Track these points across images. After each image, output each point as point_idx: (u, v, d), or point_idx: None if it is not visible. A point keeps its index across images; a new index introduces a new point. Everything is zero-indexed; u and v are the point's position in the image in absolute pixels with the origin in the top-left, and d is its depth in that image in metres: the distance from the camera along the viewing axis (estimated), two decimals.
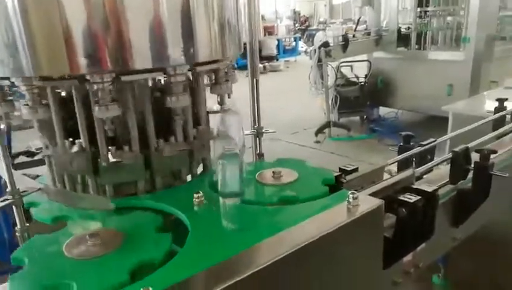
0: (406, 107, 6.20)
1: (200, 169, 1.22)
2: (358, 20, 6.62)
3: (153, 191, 1.09)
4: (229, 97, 1.25)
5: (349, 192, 0.92)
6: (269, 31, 15.55)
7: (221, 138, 1.14)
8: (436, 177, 1.36)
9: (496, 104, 1.97)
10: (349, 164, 1.26)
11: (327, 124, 5.86)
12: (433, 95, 5.53)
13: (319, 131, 5.87)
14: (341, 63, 6.22)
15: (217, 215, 0.91)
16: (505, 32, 5.58)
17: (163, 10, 0.94)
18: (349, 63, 6.53)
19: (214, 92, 1.14)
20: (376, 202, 0.93)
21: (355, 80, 6.53)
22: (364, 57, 6.51)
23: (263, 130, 1.34)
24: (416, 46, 6.15)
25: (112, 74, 0.92)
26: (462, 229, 1.38)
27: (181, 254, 0.78)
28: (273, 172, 1.12)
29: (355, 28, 6.55)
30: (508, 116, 1.88)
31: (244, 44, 1.31)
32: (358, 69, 6.73)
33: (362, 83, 6.35)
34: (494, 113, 1.90)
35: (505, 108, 1.89)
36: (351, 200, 0.91)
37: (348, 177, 1.18)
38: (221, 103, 1.15)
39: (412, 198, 1.03)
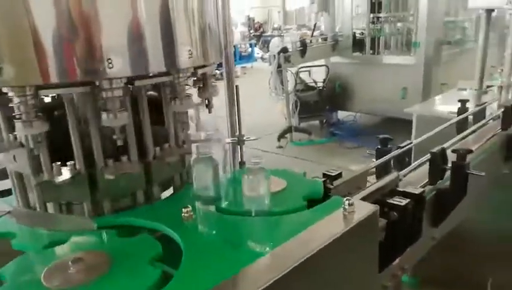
0: (363, 110, 6.38)
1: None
2: (315, 25, 6.76)
3: (133, 207, 1.02)
4: (209, 112, 1.21)
5: (345, 199, 0.90)
6: None
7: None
8: (415, 179, 1.38)
9: (458, 105, 2.06)
10: (332, 169, 1.24)
11: (289, 129, 5.91)
12: (389, 98, 5.73)
13: (281, 136, 5.90)
14: (300, 68, 6.31)
15: (209, 230, 0.86)
16: (449, 37, 5.90)
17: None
18: (308, 68, 6.64)
19: (172, 109, 1.06)
20: (371, 207, 0.92)
21: (313, 84, 6.65)
22: (321, 62, 6.65)
23: (244, 138, 1.30)
24: (371, 51, 6.35)
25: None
26: (440, 228, 1.41)
27: (176, 278, 0.72)
28: None
29: (312, 33, 6.68)
30: (471, 117, 1.97)
31: None
32: (316, 74, 6.86)
33: (320, 88, 6.48)
34: (458, 114, 1.98)
35: (467, 109, 1.97)
36: (346, 207, 0.89)
37: (335, 183, 1.17)
38: (208, 108, 1.10)
39: (402, 201, 1.04)
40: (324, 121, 6.70)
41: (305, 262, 0.76)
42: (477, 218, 2.35)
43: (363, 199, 1.05)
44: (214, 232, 0.86)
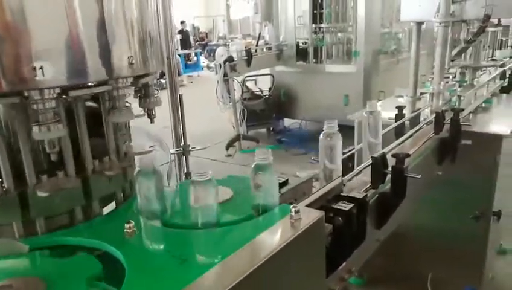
0: (308, 118, 6.54)
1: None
2: (259, 35, 6.85)
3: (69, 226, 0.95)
4: (152, 122, 1.17)
5: (291, 206, 0.91)
6: None
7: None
8: (359, 183, 1.43)
9: (395, 111, 2.17)
10: (279, 176, 1.25)
11: (237, 138, 5.92)
12: (332, 105, 5.93)
13: (230, 145, 5.89)
14: (246, 77, 6.35)
15: (153, 245, 0.83)
16: (386, 47, 6.23)
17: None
18: (254, 77, 6.71)
19: (111, 120, 1.02)
20: (317, 213, 0.93)
21: (260, 93, 6.72)
22: (267, 71, 6.74)
23: (190, 148, 1.27)
24: (314, 60, 6.54)
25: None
26: (383, 230, 1.47)
27: None
28: None
29: (257, 43, 6.77)
30: (407, 122, 2.08)
31: None
32: (262, 83, 6.94)
33: (267, 96, 6.57)
34: (396, 120, 2.09)
35: (404, 115, 2.08)
36: (293, 214, 0.90)
37: (282, 191, 1.17)
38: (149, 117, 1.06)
39: (346, 206, 1.06)
40: (271, 128, 6.79)
41: (254, 272, 0.75)
42: (416, 218, 2.47)
43: (309, 205, 1.07)
44: (159, 247, 0.82)
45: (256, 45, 6.75)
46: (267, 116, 6.56)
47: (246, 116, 6.14)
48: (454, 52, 2.50)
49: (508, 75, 3.06)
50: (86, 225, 0.95)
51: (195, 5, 22.58)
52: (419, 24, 2.74)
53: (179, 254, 0.80)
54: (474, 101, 2.45)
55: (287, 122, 7.03)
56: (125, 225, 0.86)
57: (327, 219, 1.07)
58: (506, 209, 2.96)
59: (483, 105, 2.67)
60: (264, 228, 0.88)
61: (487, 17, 2.30)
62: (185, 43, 14.81)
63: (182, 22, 15.50)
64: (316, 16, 6.48)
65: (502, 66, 3.13)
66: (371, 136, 1.42)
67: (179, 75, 13.69)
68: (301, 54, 6.59)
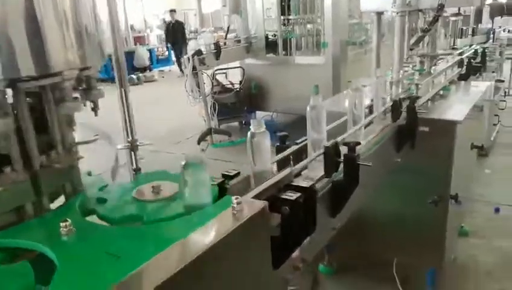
0: (279, 110, 6.56)
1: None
2: (228, 28, 6.80)
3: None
4: (96, 114, 1.14)
5: (233, 197, 0.91)
6: (140, 41, 15.07)
7: None
8: (313, 173, 1.44)
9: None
10: (232, 169, 1.25)
11: (208, 132, 5.87)
12: (302, 97, 5.83)
13: (201, 139, 5.85)
14: (215, 70, 6.30)
15: (89, 244, 0.81)
16: (355, 38, 6.30)
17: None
18: (224, 71, 6.66)
19: (56, 113, 1.00)
20: (259, 204, 0.93)
21: (231, 86, 6.69)
22: (237, 63, 6.71)
23: (138, 143, 1.25)
24: (284, 52, 6.55)
25: None
26: (338, 218, 1.48)
27: None
28: (152, 186, 1.04)
29: (226, 35, 6.72)
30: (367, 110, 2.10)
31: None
32: (233, 76, 6.91)
33: (237, 89, 6.54)
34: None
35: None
36: (235, 205, 0.90)
37: (232, 182, 1.17)
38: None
39: (292, 195, 1.07)
40: (243, 121, 6.78)
41: (191, 264, 0.74)
42: (380, 204, 2.53)
43: (257, 195, 1.07)
44: (95, 245, 0.80)
45: (225, 38, 6.71)
46: (239, 109, 6.54)
47: (216, 110, 6.10)
48: (412, 41, 2.55)
49: (465, 63, 3.15)
50: (23, 225, 0.92)
51: None
52: (379, 14, 2.78)
53: (115, 251, 0.78)
54: (432, 89, 2.51)
55: (259, 114, 7.03)
56: (61, 223, 0.84)
57: (276, 209, 1.08)
58: (466, 193, 3.07)
59: (442, 92, 2.73)
60: (206, 220, 0.87)
61: (441, 6, 2.34)
62: (176, 36, 12.95)
63: (172, 11, 13.59)
64: (285, 8, 6.48)
65: (460, 54, 3.22)
66: (314, 130, 1.43)
67: (150, 70, 13.50)
68: (271, 46, 6.58)
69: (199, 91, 5.75)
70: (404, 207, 2.48)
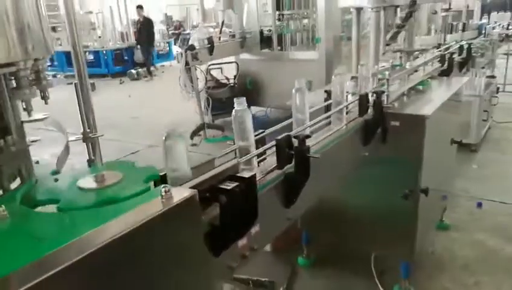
0: (273, 105, 6.59)
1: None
2: (222, 23, 6.84)
3: None
4: (46, 103, 1.19)
5: (162, 186, 0.95)
6: None
7: None
8: (268, 165, 1.48)
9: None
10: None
11: (201, 126, 5.93)
12: None
13: (194, 134, 5.90)
14: (209, 65, 6.34)
15: (17, 228, 0.86)
16: (348, 33, 6.30)
17: None
18: (219, 65, 6.70)
19: (17, 97, 1.07)
20: (188, 192, 0.97)
21: (225, 81, 6.73)
22: (232, 58, 6.74)
23: (90, 135, 1.30)
24: (279, 47, 6.57)
25: None
26: (293, 209, 1.53)
27: None
28: (95, 176, 1.09)
29: (220, 30, 6.75)
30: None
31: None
32: (228, 71, 6.94)
33: (232, 84, 6.58)
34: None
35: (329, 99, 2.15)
36: (163, 193, 0.94)
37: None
38: (27, 109, 1.09)
39: (230, 185, 1.11)
40: None
41: (109, 245, 0.79)
42: (356, 197, 2.57)
43: (198, 185, 1.11)
44: (23, 229, 0.85)
45: (220, 33, 6.74)
46: (233, 104, 6.57)
47: (210, 105, 6.15)
48: (388, 36, 2.57)
49: (447, 59, 3.16)
50: None
51: None
52: (358, 10, 2.80)
53: (42, 235, 0.83)
54: (406, 84, 2.53)
55: (254, 109, 7.07)
56: None
57: (215, 199, 1.12)
58: (448, 187, 3.09)
59: (421, 88, 2.76)
60: (134, 207, 0.92)
61: (413, 3, 2.37)
62: (146, 34, 12.34)
63: (139, 7, 12.45)
64: (280, 3, 6.50)
65: (438, 47, 3.23)
66: (299, 112, 1.50)
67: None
68: (265, 41, 6.61)
69: (192, 86, 5.80)
70: (378, 200, 2.51)
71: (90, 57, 13.23)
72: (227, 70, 6.91)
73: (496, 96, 5.58)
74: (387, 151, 2.29)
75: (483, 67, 4.80)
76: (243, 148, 1.40)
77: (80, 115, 1.34)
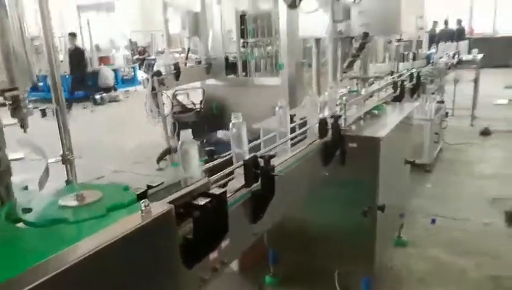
0: None
1: None
2: (188, 49, 6.99)
3: None
4: (25, 131, 1.25)
5: (141, 201, 1.04)
6: (105, 61, 15.04)
7: None
8: (237, 183, 1.59)
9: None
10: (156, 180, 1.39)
11: (168, 151, 5.96)
12: (261, 116, 6.14)
13: (160, 158, 5.93)
14: (176, 90, 6.44)
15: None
16: (309, 60, 6.61)
17: None
18: (185, 91, 6.81)
19: None
20: (166, 206, 1.07)
21: (192, 106, 6.83)
22: (198, 84, 6.88)
23: (69, 157, 1.37)
24: (243, 73, 6.77)
25: None
26: (260, 224, 1.64)
27: None
28: (75, 195, 1.16)
29: (186, 57, 6.90)
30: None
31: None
32: (195, 96, 7.06)
33: (198, 109, 6.69)
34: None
35: (294, 121, 2.31)
36: (143, 208, 1.03)
37: (155, 190, 1.30)
38: None
39: (202, 200, 1.21)
40: (204, 140, 6.91)
41: (89, 259, 0.86)
42: (319, 215, 2.71)
43: (173, 201, 1.20)
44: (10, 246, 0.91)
45: (186, 59, 6.89)
46: (200, 128, 6.67)
47: (176, 130, 6.21)
48: (345, 65, 2.79)
49: (399, 86, 3.43)
50: None
51: (133, 19, 22.32)
52: (317, 39, 3.02)
53: (26, 251, 0.90)
54: (362, 109, 2.74)
55: (220, 133, 7.19)
56: None
57: (189, 214, 1.22)
58: (403, 205, 3.30)
59: (376, 112, 2.98)
60: (114, 221, 1.00)
61: (365, 35, 2.61)
62: (77, 63, 11.89)
63: (72, 35, 12.08)
64: (244, 31, 6.74)
65: (391, 74, 3.51)
66: (236, 146, 1.60)
67: (115, 90, 13.47)
68: (231, 67, 6.80)
69: (159, 111, 5.86)
70: (340, 218, 2.66)
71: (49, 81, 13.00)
72: (193, 96, 7.02)
73: (446, 120, 6.00)
74: (347, 171, 2.46)
75: (433, 93, 5.18)
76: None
77: (60, 138, 1.41)
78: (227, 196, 1.51)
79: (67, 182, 1.40)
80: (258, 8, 6.86)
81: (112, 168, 6.27)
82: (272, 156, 1.57)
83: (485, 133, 6.44)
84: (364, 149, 2.42)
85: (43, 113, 10.95)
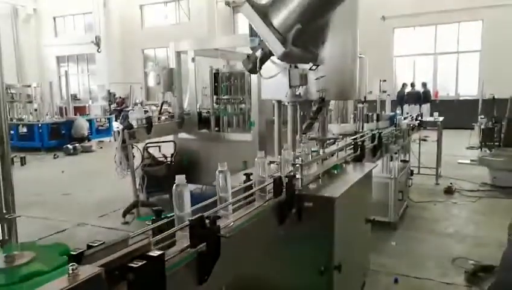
0: (209, 183, 6.72)
1: None
2: (162, 104, 7.14)
3: None
4: None
5: (70, 265, 1.04)
6: (81, 111, 15.07)
7: None
8: (182, 244, 1.60)
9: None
10: (97, 240, 1.38)
11: (135, 204, 5.87)
12: (232, 171, 6.19)
13: (127, 212, 5.82)
14: (147, 143, 6.48)
15: None
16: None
17: None
18: (157, 144, 6.84)
19: None
20: (95, 270, 1.07)
21: (163, 159, 6.83)
22: (170, 137, 6.94)
23: (6, 216, 1.36)
24: (216, 128, 6.90)
25: None
26: (207, 286, 1.62)
27: None
28: (5, 256, 1.15)
29: (160, 111, 7.02)
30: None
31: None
32: (167, 149, 7.09)
33: (169, 163, 6.69)
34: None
35: (250, 180, 2.36)
36: (70, 271, 1.03)
37: (92, 251, 1.29)
38: None
39: (138, 263, 1.21)
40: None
41: None
42: (277, 274, 2.68)
43: (110, 263, 1.20)
44: None
45: (160, 113, 7.00)
46: (170, 182, 6.61)
47: (145, 183, 6.17)
48: (304, 126, 2.91)
49: (359, 146, 3.58)
50: None
51: (113, 70, 22.74)
52: (278, 102, 3.16)
53: None
54: (320, 169, 2.83)
55: (191, 187, 7.15)
56: None
57: (124, 277, 1.21)
58: (366, 263, 3.31)
59: (336, 172, 3.08)
60: (40, 285, 0.99)
61: (322, 99, 2.76)
62: None
63: None
64: (218, 88, 6.96)
65: (354, 135, 3.66)
66: (178, 208, 1.70)
67: (88, 140, 13.37)
68: (204, 122, 6.94)
69: (128, 164, 5.84)
70: (299, 277, 2.64)
71: (24, 130, 12.84)
72: (165, 148, 7.05)
73: (411, 178, 6.18)
74: (303, 230, 2.49)
75: (396, 153, 5.38)
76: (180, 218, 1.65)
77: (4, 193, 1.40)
78: (172, 256, 1.52)
79: (2, 242, 1.38)
80: (232, 67, 7.16)
81: (76, 221, 6.08)
82: (218, 217, 1.59)
83: (449, 191, 6.64)
84: (320, 208, 2.47)
85: (11, 161, 10.73)
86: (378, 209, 5.15)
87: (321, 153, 2.96)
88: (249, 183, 2.35)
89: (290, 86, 2.65)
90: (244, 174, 2.40)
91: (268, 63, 2.74)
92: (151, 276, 1.24)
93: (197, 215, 1.59)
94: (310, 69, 2.74)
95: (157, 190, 6.52)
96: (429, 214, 5.83)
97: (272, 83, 2.92)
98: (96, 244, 1.34)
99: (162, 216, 1.72)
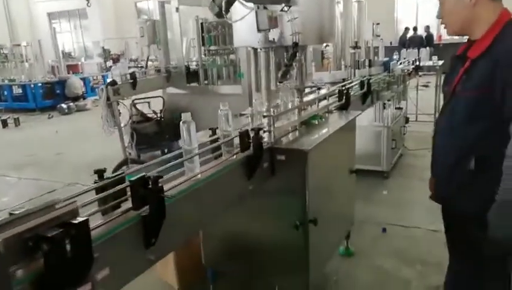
0: None
1: None
2: (148, 58, 6.86)
3: None
4: None
5: None
6: (74, 69, 14.77)
7: None
8: (124, 208, 1.48)
9: None
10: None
11: (124, 162, 5.79)
12: None
13: (116, 170, 5.74)
14: (134, 100, 6.30)
15: None
16: None
17: None
18: (145, 100, 6.65)
19: None
20: None
21: (153, 115, 6.68)
22: (160, 92, 6.74)
23: None
24: (205, 82, 6.67)
25: None
26: (154, 250, 1.52)
27: None
28: None
29: (146, 65, 6.76)
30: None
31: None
32: (157, 105, 6.91)
33: (158, 119, 6.54)
34: (211, 141, 2.20)
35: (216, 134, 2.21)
36: None
37: (10, 218, 1.17)
38: None
39: (52, 232, 1.09)
40: (166, 150, 6.75)
41: None
42: (256, 230, 2.61)
43: (23, 232, 1.08)
44: None
45: (146, 68, 6.75)
46: (161, 138, 6.52)
47: (134, 140, 6.06)
48: (279, 74, 2.71)
49: (344, 94, 3.38)
50: None
51: (106, 26, 22.06)
52: (255, 49, 2.93)
53: None
54: (296, 120, 2.67)
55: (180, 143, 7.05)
56: None
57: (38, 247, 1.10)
58: (355, 214, 3.24)
59: (316, 122, 2.91)
60: None
61: (295, 44, 2.53)
62: None
63: None
64: (205, 39, 6.64)
65: (343, 85, 3.45)
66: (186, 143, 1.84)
67: (83, 98, 13.20)
68: (192, 75, 6.69)
69: (115, 121, 5.69)
70: (276, 233, 2.56)
71: (19, 91, 12.65)
72: (154, 105, 6.87)
73: (406, 126, 6.01)
74: (277, 184, 2.38)
75: (389, 100, 5.17)
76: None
77: None
78: (111, 218, 1.41)
79: None
80: None
81: (67, 181, 6.07)
82: (160, 177, 1.46)
83: None
84: (293, 162, 2.34)
85: (4, 123, 10.66)
86: (370, 158, 5.05)
87: (297, 102, 2.78)
88: (214, 137, 2.21)
89: (259, 30, 2.42)
90: (210, 129, 2.25)
91: (237, 5, 2.49)
92: (72, 246, 1.12)
93: (139, 175, 1.46)
94: (282, 10, 2.49)
95: (148, 147, 6.43)
96: (423, 162, 5.71)
97: (244, 28, 2.68)
98: (18, 211, 1.23)
99: (108, 176, 1.59)
